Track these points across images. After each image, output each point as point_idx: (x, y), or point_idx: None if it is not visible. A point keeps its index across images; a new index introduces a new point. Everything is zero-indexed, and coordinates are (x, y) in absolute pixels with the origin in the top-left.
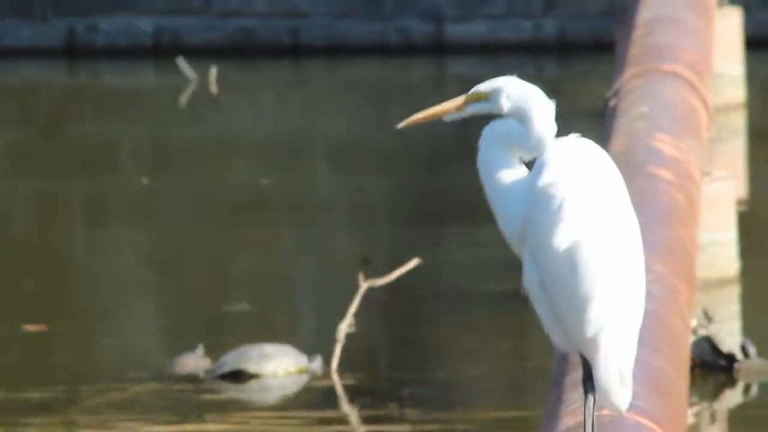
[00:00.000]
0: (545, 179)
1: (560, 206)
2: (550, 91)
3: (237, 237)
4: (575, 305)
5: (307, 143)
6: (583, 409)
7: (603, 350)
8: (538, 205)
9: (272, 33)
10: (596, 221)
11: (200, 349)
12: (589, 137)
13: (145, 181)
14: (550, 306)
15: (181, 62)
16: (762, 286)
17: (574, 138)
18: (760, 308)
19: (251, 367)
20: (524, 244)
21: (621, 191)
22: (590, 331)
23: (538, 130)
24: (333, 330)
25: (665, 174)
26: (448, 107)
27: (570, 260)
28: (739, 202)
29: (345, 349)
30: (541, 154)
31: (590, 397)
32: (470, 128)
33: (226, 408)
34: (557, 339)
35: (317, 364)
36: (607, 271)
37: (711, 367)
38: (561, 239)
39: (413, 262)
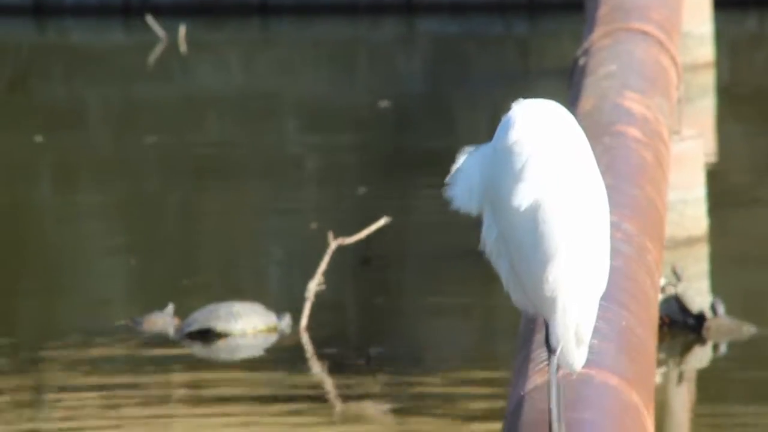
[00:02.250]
0: (509, 138)
1: (523, 165)
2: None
3: (206, 195)
4: (534, 265)
5: (276, 102)
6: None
7: (560, 310)
8: (501, 164)
9: None
10: (559, 181)
11: (170, 308)
12: (558, 96)
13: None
14: (509, 264)
15: (150, 21)
16: (730, 244)
17: (539, 100)
18: (729, 267)
19: (220, 326)
20: (486, 203)
21: (585, 152)
22: (548, 291)
23: None
24: (302, 289)
25: (634, 133)
26: None
27: (531, 220)
28: (708, 161)
29: (314, 308)
30: (507, 114)
31: (554, 356)
32: (439, 85)
33: (194, 366)
34: (516, 297)
35: (286, 322)
36: (568, 231)
37: (680, 325)
38: (522, 198)
39: (382, 221)
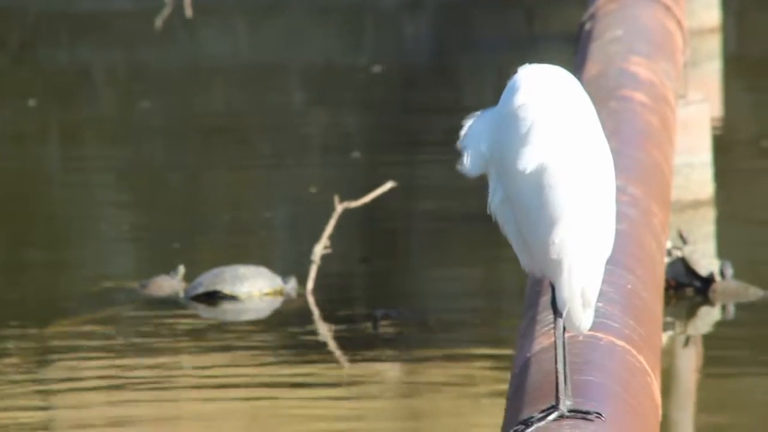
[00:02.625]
0: (514, 102)
1: (529, 129)
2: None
3: (212, 160)
4: (540, 228)
5: (282, 68)
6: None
7: (566, 272)
8: (507, 128)
9: None
10: (564, 144)
11: (180, 270)
12: (564, 61)
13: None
14: (516, 228)
15: None
16: (736, 208)
17: (544, 64)
18: (735, 230)
19: (226, 288)
20: (491, 167)
21: (590, 116)
22: (554, 254)
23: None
24: (308, 252)
25: (640, 97)
26: None
27: (536, 183)
28: (714, 125)
29: (320, 271)
30: (513, 78)
31: (560, 318)
32: (446, 52)
33: (200, 329)
34: (524, 260)
35: (292, 285)
36: (573, 194)
37: (686, 288)
38: (528, 161)
39: (388, 185)
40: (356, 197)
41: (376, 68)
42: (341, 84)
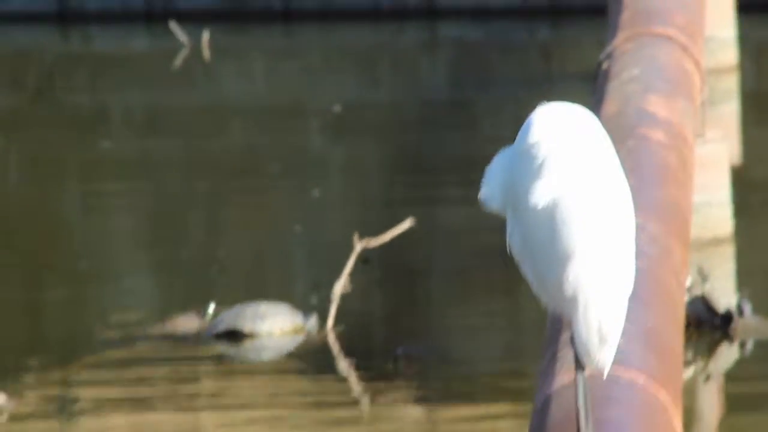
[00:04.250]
0: (529, 139)
1: (541, 164)
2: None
3: (231, 200)
4: (554, 264)
5: (300, 108)
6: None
7: (581, 310)
8: (520, 165)
9: None
10: (578, 180)
11: (211, 308)
12: (582, 101)
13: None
14: (533, 266)
15: (174, 26)
16: (755, 245)
17: (560, 103)
18: (754, 267)
19: (246, 326)
20: (508, 205)
21: (607, 152)
22: (568, 291)
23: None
24: (328, 289)
25: (658, 135)
26: None
27: (549, 219)
28: (733, 164)
29: (340, 308)
30: (530, 116)
31: (579, 357)
32: (462, 91)
33: (221, 367)
34: (544, 299)
35: (313, 322)
36: (586, 231)
37: (706, 325)
38: (540, 197)
39: (407, 223)
40: (378, 234)
41: (336, 108)
42: (358, 123)
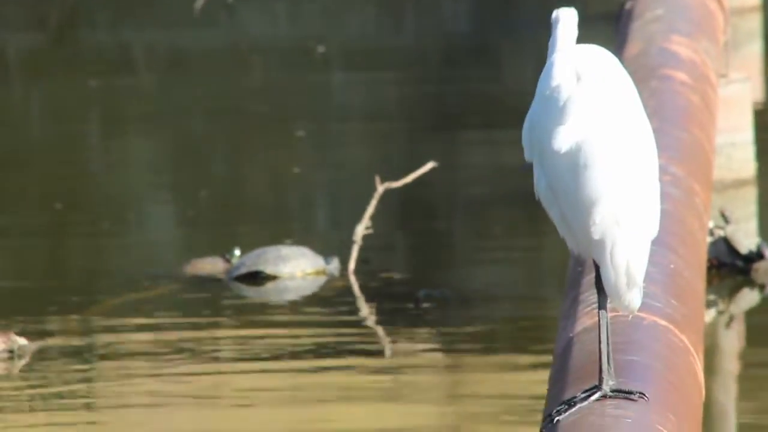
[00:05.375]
0: (549, 83)
1: (562, 109)
2: None
3: (253, 141)
4: (580, 208)
5: (323, 48)
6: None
7: (608, 252)
8: (543, 109)
9: None
10: (599, 124)
11: (236, 253)
12: (605, 41)
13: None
14: (559, 210)
15: None
16: None
17: (582, 45)
18: None
19: (268, 269)
20: (534, 150)
21: (629, 94)
22: (596, 234)
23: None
24: (350, 232)
25: (681, 76)
26: None
27: (572, 163)
28: (756, 104)
29: (362, 251)
30: (549, 58)
31: (604, 298)
32: (484, 33)
33: (243, 309)
34: (570, 242)
35: (334, 265)
36: (611, 173)
37: (728, 267)
38: (563, 142)
39: (429, 165)
40: (400, 176)
41: (320, 48)
42: (380, 64)
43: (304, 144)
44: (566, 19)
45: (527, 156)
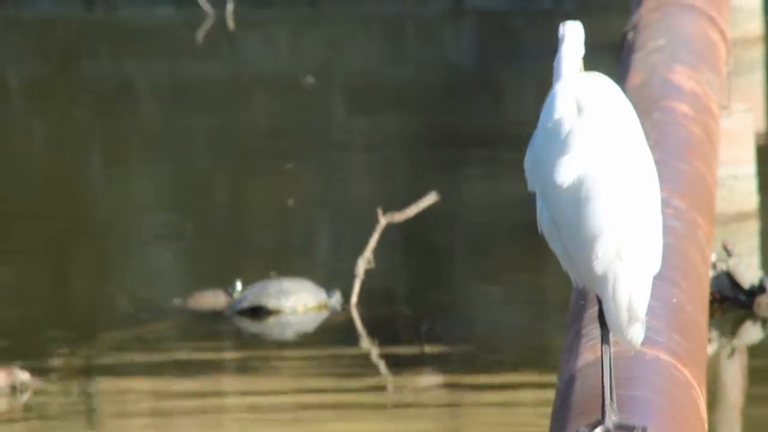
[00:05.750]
0: (552, 116)
1: (564, 142)
2: None
3: (254, 173)
4: (582, 242)
5: (324, 79)
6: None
7: (610, 286)
8: (545, 141)
9: None
10: (602, 156)
11: (237, 286)
12: (608, 71)
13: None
14: (562, 243)
15: None
16: None
17: (585, 73)
18: None
19: (270, 303)
20: (536, 182)
21: (632, 126)
22: (598, 268)
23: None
24: (352, 266)
25: (683, 108)
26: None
27: (574, 197)
28: (758, 136)
29: (364, 285)
30: (552, 89)
31: (606, 332)
32: (487, 61)
33: (245, 343)
34: (573, 276)
35: (336, 299)
36: (613, 207)
37: (731, 301)
38: (565, 175)
39: (431, 197)
40: (402, 209)
41: (309, 79)
42: (382, 95)
43: (306, 177)
44: (572, 36)
45: (530, 187)
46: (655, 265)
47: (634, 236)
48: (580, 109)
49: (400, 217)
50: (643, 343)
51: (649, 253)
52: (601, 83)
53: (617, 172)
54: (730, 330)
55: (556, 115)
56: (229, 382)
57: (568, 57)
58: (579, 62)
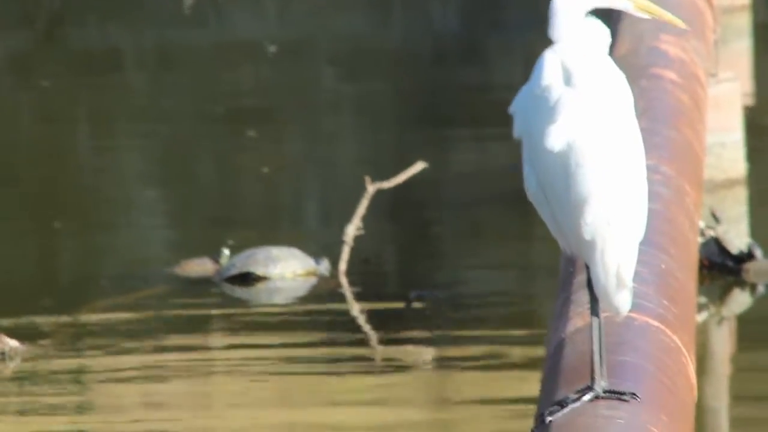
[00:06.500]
0: (541, 82)
1: (553, 109)
2: None
3: (242, 140)
4: (570, 208)
5: (311, 48)
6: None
7: (599, 252)
8: (534, 108)
9: None
10: (591, 124)
11: (224, 253)
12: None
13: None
14: (550, 210)
15: None
16: None
17: (571, 42)
18: (767, 210)
19: (259, 270)
20: (524, 148)
21: (621, 95)
22: (586, 234)
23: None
24: (340, 233)
25: (671, 75)
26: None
27: (563, 163)
28: (745, 104)
29: (352, 252)
30: (540, 57)
31: (596, 299)
32: (474, 30)
33: (234, 310)
34: (561, 242)
35: (325, 266)
36: (603, 173)
37: (719, 268)
38: (554, 142)
39: (419, 165)
40: (390, 176)
41: (272, 48)
42: (370, 62)
43: (294, 144)
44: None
45: (516, 135)
46: (641, 232)
47: (623, 202)
48: (568, 77)
49: (388, 184)
50: (631, 309)
51: (637, 219)
52: (588, 51)
53: (606, 139)
54: (719, 296)
55: (545, 82)
56: (217, 349)
57: (564, 14)
58: (581, 18)
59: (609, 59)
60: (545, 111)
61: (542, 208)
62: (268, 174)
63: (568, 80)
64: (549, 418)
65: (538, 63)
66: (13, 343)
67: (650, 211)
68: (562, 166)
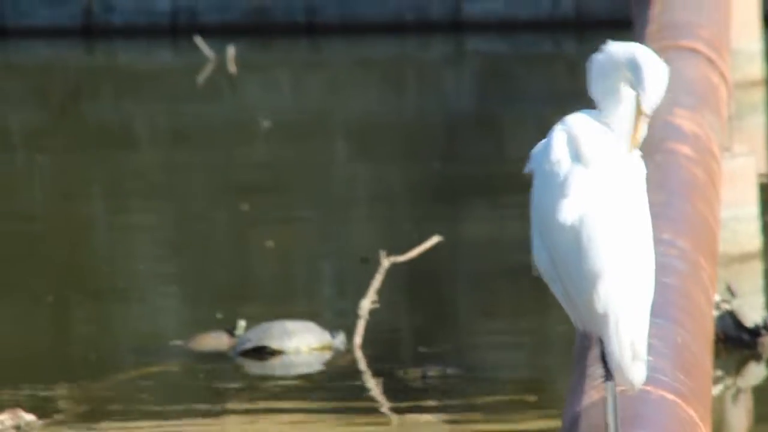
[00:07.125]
0: (550, 157)
1: (564, 183)
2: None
3: (257, 216)
4: (583, 282)
5: (325, 122)
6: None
7: (612, 326)
8: (544, 183)
9: (288, 11)
10: (602, 198)
11: (240, 325)
12: None
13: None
14: (562, 285)
15: (199, 41)
16: None
17: (583, 115)
18: None
19: (274, 344)
20: (534, 223)
21: (629, 170)
22: (599, 308)
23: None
24: (355, 307)
25: (685, 150)
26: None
27: (575, 237)
28: (760, 178)
29: (368, 326)
30: (550, 133)
31: (610, 373)
32: (488, 104)
33: (248, 385)
34: (573, 317)
35: (340, 340)
36: (615, 247)
37: (735, 341)
38: (566, 215)
39: (434, 239)
40: (405, 251)
41: (266, 123)
42: (384, 137)
43: (309, 220)
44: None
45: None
46: (650, 301)
47: (635, 275)
48: (576, 152)
49: (403, 258)
50: (647, 383)
51: (647, 291)
52: (597, 125)
53: (617, 213)
54: (735, 370)
55: (553, 158)
56: (233, 423)
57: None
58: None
59: (613, 132)
60: (555, 185)
61: (554, 284)
62: (284, 248)
63: (577, 158)
64: None
65: (548, 139)
66: (29, 417)
67: (666, 285)
68: (574, 241)
